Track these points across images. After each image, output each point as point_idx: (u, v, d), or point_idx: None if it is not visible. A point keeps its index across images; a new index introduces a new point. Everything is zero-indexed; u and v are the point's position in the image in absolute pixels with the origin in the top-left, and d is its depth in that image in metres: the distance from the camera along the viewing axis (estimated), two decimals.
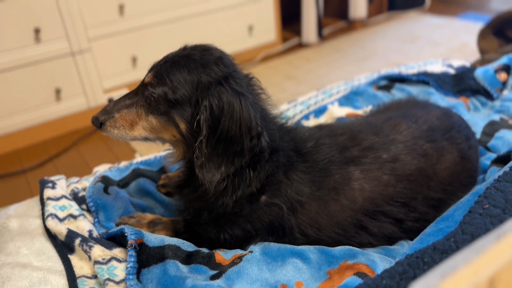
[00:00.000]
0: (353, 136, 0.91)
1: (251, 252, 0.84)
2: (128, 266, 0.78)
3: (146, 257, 0.80)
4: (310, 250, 0.83)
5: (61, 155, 2.12)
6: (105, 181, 1.08)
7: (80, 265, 0.85)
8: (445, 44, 2.93)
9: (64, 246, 0.90)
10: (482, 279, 0.41)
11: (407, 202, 0.85)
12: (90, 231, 0.93)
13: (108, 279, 0.77)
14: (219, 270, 0.80)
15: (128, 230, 0.85)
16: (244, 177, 0.83)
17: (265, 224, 0.85)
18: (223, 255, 0.84)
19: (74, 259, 0.87)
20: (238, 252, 0.85)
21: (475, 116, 1.33)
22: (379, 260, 0.79)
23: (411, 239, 0.88)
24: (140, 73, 2.61)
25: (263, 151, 0.82)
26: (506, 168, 0.82)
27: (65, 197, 1.01)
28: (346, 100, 1.43)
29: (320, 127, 1.00)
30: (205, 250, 0.87)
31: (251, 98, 0.83)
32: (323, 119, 1.34)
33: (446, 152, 0.92)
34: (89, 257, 0.84)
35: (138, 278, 0.76)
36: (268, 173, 0.84)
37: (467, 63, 1.68)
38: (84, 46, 2.23)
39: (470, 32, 2.98)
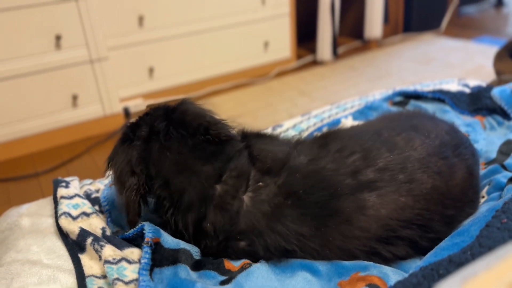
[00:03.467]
0: (366, 155, 0.85)
1: (260, 261, 0.83)
2: (142, 261, 0.78)
3: (160, 257, 0.80)
4: (320, 262, 0.81)
5: (74, 160, 2.14)
6: None
7: (90, 264, 0.85)
8: (460, 66, 2.92)
9: (75, 245, 0.90)
10: (503, 285, 0.40)
11: (425, 223, 0.82)
12: (103, 229, 0.93)
13: (117, 279, 0.76)
14: (229, 276, 0.80)
15: (148, 228, 0.85)
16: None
17: (254, 261, 0.84)
18: (232, 263, 0.83)
19: (84, 258, 0.87)
20: (247, 260, 0.84)
21: (491, 135, 1.31)
22: (391, 273, 0.78)
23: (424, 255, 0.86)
24: (156, 84, 2.65)
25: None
26: None
27: (78, 195, 1.01)
28: (360, 114, 1.42)
29: (323, 142, 0.92)
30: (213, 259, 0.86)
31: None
32: None
33: (457, 168, 0.90)
34: (100, 257, 0.84)
35: (150, 275, 0.76)
36: (233, 222, 0.81)
37: (483, 83, 1.67)
38: (103, 54, 2.27)
39: (486, 56, 2.98)
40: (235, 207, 0.81)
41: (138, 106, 2.59)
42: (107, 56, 2.29)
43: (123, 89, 2.52)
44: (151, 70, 2.60)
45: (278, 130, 1.46)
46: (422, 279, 0.64)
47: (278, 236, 0.79)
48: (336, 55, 3.33)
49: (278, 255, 0.82)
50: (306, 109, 2.51)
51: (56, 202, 1.01)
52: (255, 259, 0.84)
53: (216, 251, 0.84)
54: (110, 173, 0.92)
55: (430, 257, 0.77)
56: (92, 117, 2.35)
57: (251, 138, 0.94)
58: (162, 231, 0.84)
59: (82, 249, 0.88)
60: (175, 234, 0.86)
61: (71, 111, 2.28)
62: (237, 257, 0.84)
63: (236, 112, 2.55)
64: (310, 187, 0.82)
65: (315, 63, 3.32)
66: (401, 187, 0.82)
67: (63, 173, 2.04)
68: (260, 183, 0.84)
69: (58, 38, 2.12)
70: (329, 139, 0.95)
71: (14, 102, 2.12)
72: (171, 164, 0.85)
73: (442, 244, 0.80)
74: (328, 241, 0.80)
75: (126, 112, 2.55)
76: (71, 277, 0.83)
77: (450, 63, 3.00)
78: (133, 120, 0.95)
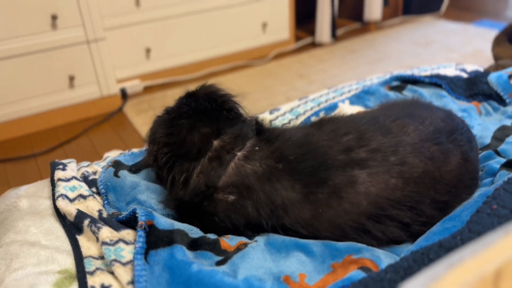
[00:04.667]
0: (360, 136, 0.88)
1: (255, 241, 0.84)
2: (137, 246, 0.79)
3: (155, 239, 0.81)
4: (314, 243, 0.83)
5: (71, 142, 2.15)
6: (117, 165, 1.09)
7: (87, 245, 0.87)
8: (459, 50, 2.91)
9: (72, 226, 0.91)
10: (488, 271, 0.41)
11: (415, 205, 0.84)
12: (100, 211, 0.94)
13: (115, 260, 0.78)
14: (225, 256, 0.81)
15: (140, 211, 0.86)
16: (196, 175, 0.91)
17: (242, 221, 0.86)
18: (228, 242, 0.85)
19: (82, 239, 0.88)
20: (244, 239, 0.86)
21: (487, 121, 1.32)
22: (383, 256, 0.80)
23: None
24: (153, 65, 2.63)
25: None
26: None
27: (75, 178, 1.02)
28: (357, 99, 1.43)
29: (319, 124, 0.97)
30: (211, 236, 0.87)
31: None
32: None
33: (451, 154, 0.91)
34: (97, 238, 0.85)
35: (145, 259, 0.77)
36: (221, 175, 0.87)
37: (480, 68, 1.67)
38: (99, 35, 2.25)
39: (485, 39, 2.96)
40: (227, 160, 0.88)
41: (135, 87, 2.57)
42: (103, 36, 2.27)
43: (120, 70, 2.50)
44: (148, 51, 2.58)
45: (275, 114, 1.47)
46: (413, 262, 0.66)
47: (266, 196, 0.83)
48: (335, 37, 3.31)
49: (266, 215, 0.84)
50: (304, 92, 2.51)
51: (53, 185, 1.02)
52: (244, 218, 0.86)
53: (205, 201, 0.88)
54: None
55: (421, 241, 0.78)
56: (89, 98, 2.35)
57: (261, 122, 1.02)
58: (155, 213, 0.85)
59: (80, 231, 0.89)
60: (167, 182, 0.94)
61: (68, 92, 2.27)
62: (226, 215, 0.86)
63: (233, 94, 2.54)
64: (302, 155, 0.86)
65: (313, 45, 3.30)
66: (392, 168, 0.85)
67: (60, 154, 2.05)
68: (256, 148, 0.90)
69: (54, 18, 2.09)
70: (325, 121, 1.00)
71: (10, 82, 2.11)
72: (182, 126, 0.95)
73: (434, 228, 0.81)
74: (317, 212, 0.83)
75: (123, 93, 2.54)
76: (69, 258, 0.85)
77: (449, 47, 2.98)
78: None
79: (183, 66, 2.75)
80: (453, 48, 2.95)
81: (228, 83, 2.70)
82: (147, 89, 2.61)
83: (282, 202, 0.83)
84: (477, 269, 0.42)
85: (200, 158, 0.90)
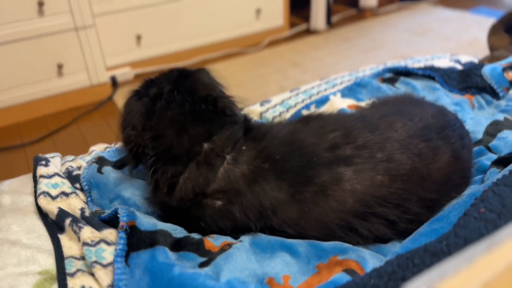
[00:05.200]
0: (347, 133, 0.86)
1: (240, 241, 0.83)
2: (117, 248, 0.77)
3: (136, 241, 0.79)
4: (299, 243, 0.82)
5: (60, 131, 2.11)
6: (100, 161, 1.07)
7: (69, 245, 0.85)
8: (455, 38, 2.88)
9: (54, 225, 0.89)
10: None
11: (401, 203, 0.83)
12: (82, 209, 0.92)
13: (96, 262, 0.76)
14: (208, 258, 0.80)
15: (122, 211, 0.84)
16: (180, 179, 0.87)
17: (229, 226, 0.84)
18: (212, 242, 0.83)
19: (63, 238, 0.86)
20: (228, 239, 0.84)
21: (479, 114, 1.30)
22: (369, 257, 0.78)
23: (405, 238, 0.86)
24: (144, 52, 2.59)
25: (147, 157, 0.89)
26: (506, 171, 0.80)
27: (58, 174, 1.00)
28: (349, 91, 1.40)
29: (306, 121, 0.95)
30: (195, 235, 0.86)
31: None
32: (324, 110, 1.32)
33: (441, 152, 0.90)
34: (78, 238, 0.83)
35: (126, 261, 0.76)
36: (212, 180, 0.84)
37: (475, 59, 1.64)
38: (88, 22, 2.20)
39: (482, 27, 2.93)
40: (217, 164, 0.84)
41: (126, 74, 2.53)
42: (92, 23, 2.22)
43: (110, 58, 2.46)
44: (138, 38, 2.53)
45: (265, 106, 1.44)
46: (397, 267, 0.65)
47: (255, 198, 0.81)
48: (330, 24, 3.26)
49: (254, 217, 0.83)
50: (297, 81, 2.48)
51: (35, 181, 0.99)
52: (231, 223, 0.84)
53: (191, 207, 0.85)
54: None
55: (408, 243, 0.77)
56: (79, 87, 2.31)
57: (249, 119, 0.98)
58: (137, 213, 0.83)
59: (62, 229, 0.88)
60: (154, 185, 0.89)
61: (56, 80, 2.23)
62: (213, 220, 0.85)
63: (226, 83, 2.50)
64: (288, 154, 0.85)
65: (308, 32, 3.25)
66: (378, 165, 0.84)
67: (49, 144, 2.02)
68: (244, 147, 0.87)
69: (40, 4, 2.04)
70: (312, 118, 0.98)
71: None
72: (168, 121, 0.89)
73: (421, 229, 0.80)
74: (304, 211, 0.81)
75: (114, 81, 2.50)
76: (50, 258, 0.83)
77: (445, 35, 2.95)
78: (152, 77, 1.00)
79: (174, 53, 2.71)
80: (449, 36, 2.91)
81: (220, 72, 2.65)
82: (138, 77, 2.56)
83: (270, 203, 0.81)
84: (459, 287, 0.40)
85: (188, 162, 0.86)
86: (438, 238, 0.68)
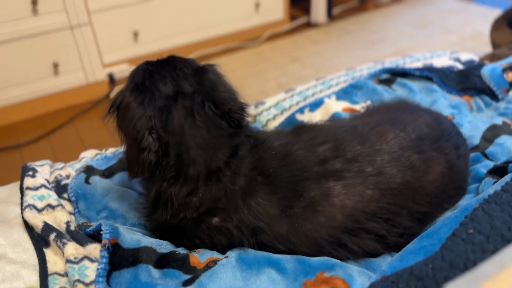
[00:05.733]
0: (337, 146, 0.85)
1: (227, 257, 0.81)
2: (99, 267, 0.76)
3: (118, 259, 0.78)
4: (286, 259, 0.80)
5: (56, 131, 2.11)
6: (88, 171, 1.06)
7: (54, 260, 0.84)
8: (457, 31, 2.82)
9: (40, 238, 0.88)
10: None
11: (391, 217, 0.81)
12: (67, 223, 0.91)
13: (78, 281, 0.75)
14: (193, 275, 0.78)
15: (105, 228, 0.83)
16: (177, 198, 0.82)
17: (224, 243, 0.82)
18: (198, 257, 0.82)
19: (49, 253, 0.86)
20: (215, 255, 0.83)
21: (478, 117, 1.27)
22: (357, 275, 0.77)
23: (396, 252, 0.85)
24: (141, 49, 2.56)
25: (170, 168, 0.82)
26: (498, 186, 0.78)
27: (45, 186, 0.99)
28: (344, 93, 1.37)
29: (298, 132, 0.93)
30: (181, 250, 0.85)
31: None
32: (318, 114, 1.29)
33: (434, 163, 0.87)
34: (63, 253, 0.83)
35: (108, 281, 0.75)
36: (217, 197, 0.81)
37: (475, 57, 1.60)
38: (83, 20, 2.17)
39: (485, 20, 2.86)
40: (224, 181, 0.81)
41: (123, 71, 2.51)
42: (87, 21, 2.19)
43: (106, 55, 2.43)
44: (135, 34, 2.50)
45: (260, 108, 1.42)
46: None
47: (249, 211, 0.80)
48: (331, 16, 3.20)
49: (248, 233, 0.81)
50: (296, 78, 2.44)
51: (22, 193, 0.98)
52: (226, 240, 0.83)
53: (191, 225, 0.84)
54: (112, 118, 0.86)
55: (396, 261, 0.75)
56: (75, 85, 2.29)
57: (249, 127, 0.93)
58: (121, 230, 0.82)
59: (47, 244, 0.87)
60: (154, 203, 0.85)
61: (52, 79, 2.21)
62: (208, 237, 0.83)
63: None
64: (279, 168, 0.83)
65: (309, 25, 3.20)
66: (368, 179, 0.82)
67: (45, 145, 2.01)
68: (243, 159, 0.84)
69: (34, 3, 2.01)
70: (305, 129, 0.97)
71: None
72: (193, 136, 0.81)
73: (410, 246, 0.78)
74: (294, 227, 0.80)
75: (111, 79, 2.48)
76: (35, 274, 0.82)
77: (447, 28, 2.89)
78: (148, 62, 0.88)
79: (172, 49, 2.67)
80: (451, 29, 2.85)
81: (219, 67, 2.63)
82: None
83: (263, 218, 0.80)
84: None
85: (204, 183, 0.81)
86: (424, 260, 0.66)
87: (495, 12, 2.75)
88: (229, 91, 0.89)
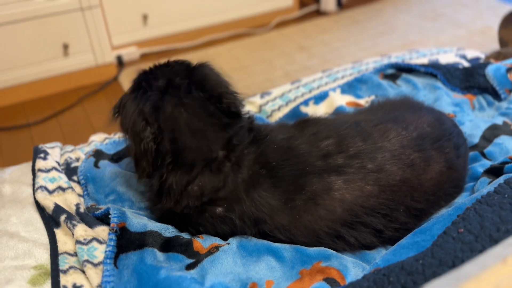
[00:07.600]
0: (339, 141, 0.87)
1: (228, 243, 0.85)
2: (107, 250, 0.80)
3: (126, 242, 0.82)
4: (285, 248, 0.84)
5: (65, 112, 2.14)
6: (97, 155, 1.10)
7: (64, 240, 0.89)
8: (467, 25, 2.80)
9: (51, 219, 0.93)
10: None
11: (389, 213, 0.85)
12: (77, 205, 0.95)
13: (87, 261, 0.80)
14: (196, 260, 0.83)
15: (113, 212, 0.87)
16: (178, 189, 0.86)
17: (227, 231, 0.86)
18: (201, 243, 0.86)
19: (59, 233, 0.90)
20: (217, 241, 0.87)
21: (479, 116, 1.29)
22: (351, 266, 0.81)
23: (391, 245, 0.88)
24: (150, 32, 2.57)
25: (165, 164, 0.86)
26: (491, 187, 0.81)
27: (55, 169, 1.03)
28: (349, 87, 1.39)
29: (302, 126, 0.95)
30: (185, 235, 0.88)
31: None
32: (322, 107, 1.32)
33: (433, 162, 0.90)
34: (73, 234, 0.87)
35: (115, 263, 0.79)
36: (219, 187, 0.85)
37: (482, 55, 1.61)
38: (93, 2, 2.19)
39: (496, 14, 2.84)
40: (226, 171, 0.85)
41: (132, 54, 2.53)
42: (98, 3, 2.20)
43: (116, 37, 2.45)
44: (145, 17, 2.51)
45: (265, 98, 1.44)
46: (373, 283, 0.67)
47: (252, 202, 0.84)
48: (340, 5, 3.19)
49: (251, 224, 0.85)
50: (303, 67, 2.45)
51: (34, 174, 1.02)
52: (229, 229, 0.87)
53: (194, 213, 0.88)
54: (117, 121, 0.92)
55: (389, 255, 0.79)
56: (84, 67, 2.31)
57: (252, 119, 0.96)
58: (128, 214, 0.86)
59: (58, 224, 0.91)
60: (158, 193, 0.89)
61: (62, 60, 2.24)
62: (212, 225, 0.87)
63: (230, 67, 2.49)
64: (282, 161, 0.86)
65: (318, 13, 3.19)
66: (369, 175, 0.85)
67: (54, 125, 2.05)
68: (245, 151, 0.88)
69: None
70: (309, 123, 0.99)
71: (3, 50, 2.08)
72: (185, 122, 0.86)
73: (404, 241, 0.81)
74: (295, 218, 0.84)
75: (119, 61, 2.50)
76: (46, 253, 0.87)
77: (457, 21, 2.87)
78: (146, 69, 0.94)
79: (181, 33, 2.69)
80: (461, 23, 2.83)
81: (226, 54, 2.64)
82: (144, 57, 2.56)
83: (266, 210, 0.84)
84: None
85: (202, 170, 0.86)
86: (415, 255, 0.70)
87: (506, 7, 2.73)
88: (220, 81, 0.93)
